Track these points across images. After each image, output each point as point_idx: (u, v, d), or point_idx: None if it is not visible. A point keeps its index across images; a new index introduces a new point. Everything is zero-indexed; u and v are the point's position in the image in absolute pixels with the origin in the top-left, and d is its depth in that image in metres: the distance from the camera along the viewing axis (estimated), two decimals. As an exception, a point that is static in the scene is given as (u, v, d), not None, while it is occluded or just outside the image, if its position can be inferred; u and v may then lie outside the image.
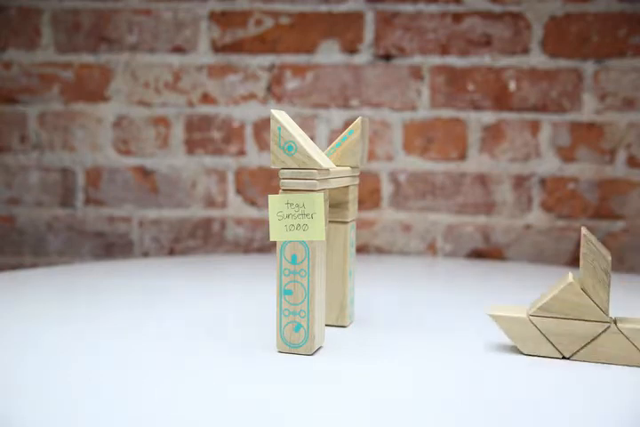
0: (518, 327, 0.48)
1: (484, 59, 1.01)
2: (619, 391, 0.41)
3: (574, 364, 0.46)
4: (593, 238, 0.46)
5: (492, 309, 0.49)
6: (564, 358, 0.47)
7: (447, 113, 1.02)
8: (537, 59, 1.00)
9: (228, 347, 0.49)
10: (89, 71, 1.05)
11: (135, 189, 1.07)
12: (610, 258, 0.46)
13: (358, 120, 0.54)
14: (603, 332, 0.46)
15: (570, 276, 0.47)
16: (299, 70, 1.03)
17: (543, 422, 0.35)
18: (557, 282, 0.49)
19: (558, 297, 0.46)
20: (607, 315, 0.46)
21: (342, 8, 1.02)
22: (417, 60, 1.02)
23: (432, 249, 1.04)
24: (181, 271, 0.84)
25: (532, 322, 0.47)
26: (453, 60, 1.01)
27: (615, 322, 0.46)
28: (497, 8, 0.99)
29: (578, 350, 0.47)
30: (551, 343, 0.47)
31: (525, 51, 1.00)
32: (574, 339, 0.46)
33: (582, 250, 0.45)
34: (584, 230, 0.46)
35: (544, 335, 0.47)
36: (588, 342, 0.46)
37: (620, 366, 0.46)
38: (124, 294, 0.68)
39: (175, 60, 1.04)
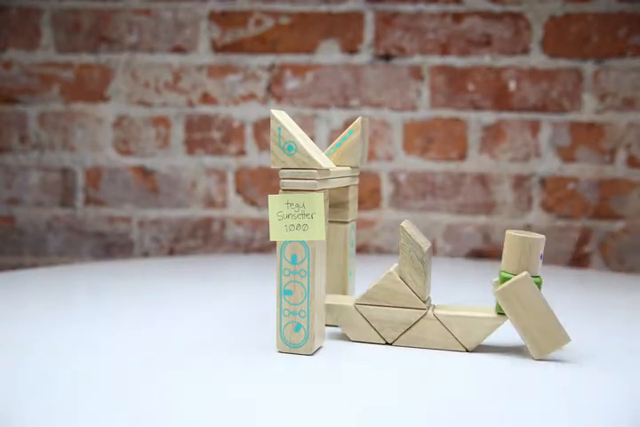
0: (346, 315, 0.50)
1: (484, 59, 1.01)
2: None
3: (396, 349, 0.48)
4: (411, 229, 0.48)
5: (327, 298, 0.51)
6: (387, 344, 0.49)
7: (447, 113, 1.02)
8: (537, 59, 1.00)
9: (227, 347, 0.49)
10: (89, 71, 1.05)
11: (135, 189, 1.07)
12: (427, 248, 0.48)
13: (358, 120, 0.54)
14: (420, 318, 0.48)
15: (393, 266, 0.49)
16: (299, 70, 1.03)
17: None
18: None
19: (379, 286, 0.49)
20: (424, 302, 0.48)
21: (342, 8, 1.02)
22: (417, 60, 1.02)
23: (432, 249, 1.04)
24: (181, 271, 0.84)
25: (357, 310, 0.49)
26: (453, 60, 1.01)
27: (432, 309, 0.48)
28: (497, 8, 0.99)
29: (399, 336, 0.49)
30: (375, 330, 0.49)
31: (525, 51, 1.00)
32: (395, 325, 0.49)
33: (400, 241, 0.48)
34: (403, 223, 0.48)
35: (368, 322, 0.49)
36: (408, 328, 0.49)
37: (437, 351, 0.48)
38: (124, 294, 0.68)
39: (175, 60, 1.04)
